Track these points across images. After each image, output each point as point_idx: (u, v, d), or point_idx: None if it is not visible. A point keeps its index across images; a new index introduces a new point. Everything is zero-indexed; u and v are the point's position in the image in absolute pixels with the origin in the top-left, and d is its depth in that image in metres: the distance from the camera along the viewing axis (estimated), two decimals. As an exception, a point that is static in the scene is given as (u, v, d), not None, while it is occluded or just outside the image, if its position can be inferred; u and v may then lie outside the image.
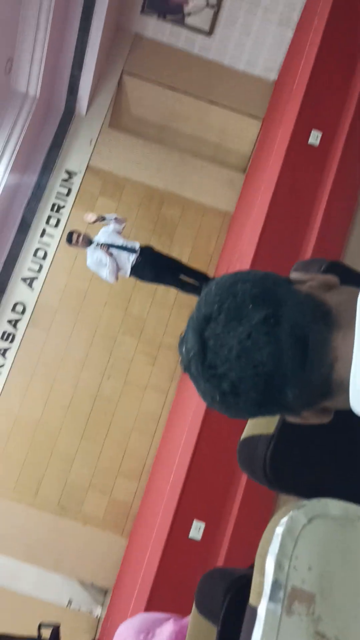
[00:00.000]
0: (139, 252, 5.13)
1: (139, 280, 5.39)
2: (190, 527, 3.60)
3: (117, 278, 5.20)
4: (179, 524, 3.64)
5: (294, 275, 0.84)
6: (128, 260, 5.11)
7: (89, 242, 5.15)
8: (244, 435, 1.31)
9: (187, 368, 0.83)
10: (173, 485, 3.96)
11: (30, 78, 5.99)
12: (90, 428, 6.04)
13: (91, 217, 5.16)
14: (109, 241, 5.12)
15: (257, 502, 3.29)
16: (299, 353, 0.76)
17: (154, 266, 5.20)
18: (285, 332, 0.75)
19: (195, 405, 4.15)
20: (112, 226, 5.21)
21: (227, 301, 0.78)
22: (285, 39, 6.44)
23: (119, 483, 5.95)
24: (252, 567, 0.77)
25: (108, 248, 5.07)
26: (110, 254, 5.06)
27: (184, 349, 0.83)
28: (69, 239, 5.19)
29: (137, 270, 5.17)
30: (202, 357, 0.78)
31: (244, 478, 3.44)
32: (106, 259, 5.08)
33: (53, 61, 6.05)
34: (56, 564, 5.77)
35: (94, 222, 5.17)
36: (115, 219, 5.23)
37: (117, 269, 5.14)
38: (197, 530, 3.57)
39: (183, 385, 5.71)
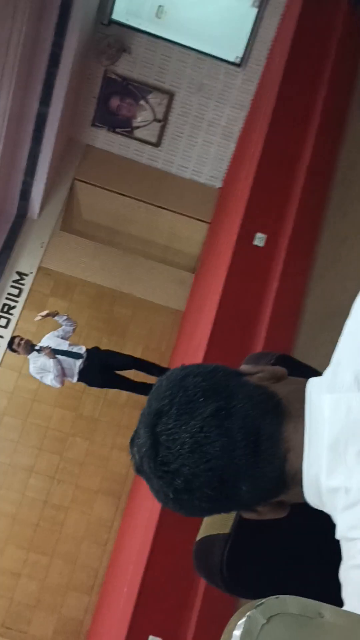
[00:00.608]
0: (85, 356, 5.01)
1: (88, 386, 5.27)
2: (146, 644, 3.35)
3: (62, 383, 5.05)
4: (134, 641, 3.39)
5: (244, 367, 0.85)
6: (74, 365, 4.98)
7: (31, 348, 5.00)
8: (199, 535, 1.26)
9: (139, 466, 0.81)
10: (127, 598, 3.73)
11: (-18, 184, 6.14)
12: (38, 539, 5.71)
13: (43, 313, 5.06)
14: (54, 345, 4.99)
15: (216, 610, 3.11)
16: (251, 445, 0.75)
17: (102, 371, 5.07)
18: (237, 425, 0.75)
19: (149, 510, 4.00)
20: (59, 330, 5.13)
21: (178, 395, 0.77)
22: (228, 150, 6.89)
23: (69, 598, 5.57)
24: None
25: (52, 351, 4.93)
26: (54, 357, 4.91)
27: (135, 447, 0.81)
28: (10, 344, 5.09)
29: (85, 376, 5.04)
30: (155, 453, 0.77)
31: (202, 585, 3.26)
32: (50, 363, 4.93)
33: (6, 168, 6.25)
34: None
35: (46, 316, 5.06)
36: (67, 318, 5.18)
37: (63, 373, 4.99)
38: (153, 647, 3.32)
39: (136, 488, 5.52)
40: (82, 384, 5.34)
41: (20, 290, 6.55)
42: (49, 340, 5.07)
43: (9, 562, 5.60)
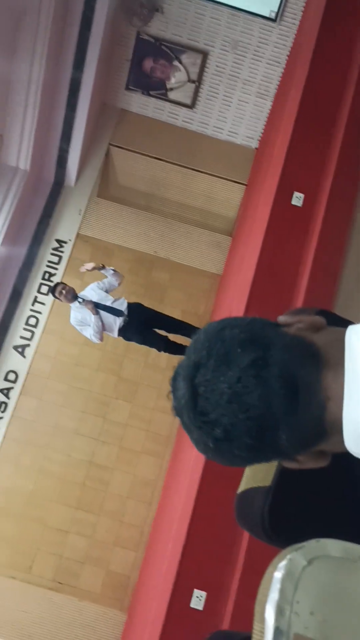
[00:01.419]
0: (126, 312, 4.94)
1: (126, 340, 5.22)
2: (191, 597, 3.47)
3: (101, 339, 4.96)
4: (179, 594, 3.51)
5: (282, 318, 0.85)
6: (115, 321, 4.90)
7: (73, 297, 4.91)
8: (240, 488, 1.28)
9: (179, 416, 0.83)
10: (171, 554, 3.84)
11: (20, 153, 6.18)
12: (84, 498, 5.89)
13: (89, 265, 4.94)
14: (96, 299, 4.90)
15: (260, 564, 3.19)
16: (290, 394, 0.75)
17: (142, 328, 5.00)
18: (274, 374, 0.75)
19: (191, 469, 4.08)
20: (104, 282, 5.02)
21: (215, 347, 0.78)
22: (264, 109, 6.74)
23: (115, 554, 5.76)
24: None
25: (95, 306, 4.84)
26: (97, 312, 4.82)
27: (175, 398, 0.83)
28: (53, 291, 4.97)
29: (125, 332, 4.96)
30: (193, 404, 0.78)
31: (245, 539, 3.34)
32: (91, 317, 4.83)
33: (42, 136, 6.27)
34: (52, 644, 5.49)
35: (92, 269, 4.96)
36: (114, 272, 5.05)
37: (103, 328, 4.90)
38: (198, 599, 3.43)
39: (178, 449, 5.63)
40: (124, 345, 5.32)
41: (60, 257, 6.63)
42: (93, 291, 4.95)
43: (58, 520, 5.81)
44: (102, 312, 4.87)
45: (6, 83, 5.59)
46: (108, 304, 4.94)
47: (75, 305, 4.95)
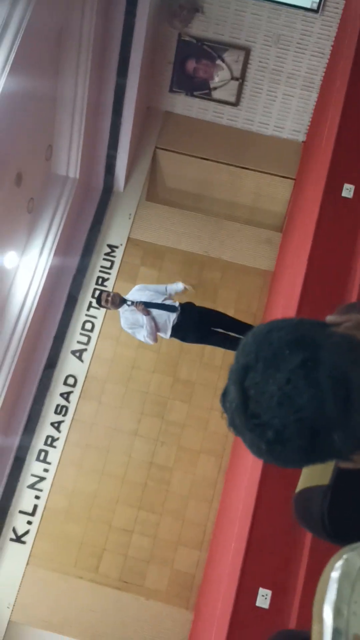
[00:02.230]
0: (179, 310, 4.73)
1: (182, 342, 5.05)
2: (256, 596, 3.47)
3: (156, 339, 4.80)
4: (245, 593, 3.51)
5: (330, 318, 0.85)
6: (168, 319, 4.70)
7: (121, 301, 4.77)
8: (298, 487, 1.29)
9: (231, 421, 0.83)
10: (235, 553, 3.84)
11: (69, 162, 6.32)
12: (146, 498, 5.96)
13: (189, 287, 4.78)
14: (146, 299, 4.72)
15: (325, 562, 3.16)
16: (341, 395, 0.75)
17: (197, 326, 4.81)
18: (325, 375, 0.75)
19: (250, 468, 4.07)
20: (167, 287, 4.85)
21: (263, 349, 0.78)
22: (310, 101, 6.65)
23: (180, 553, 5.80)
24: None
25: (145, 307, 4.65)
26: (148, 313, 4.63)
27: (226, 403, 0.83)
28: (99, 300, 4.87)
29: (179, 331, 4.76)
30: (244, 407, 0.78)
31: (308, 537, 3.31)
32: (143, 319, 4.66)
33: (90, 145, 6.38)
34: (121, 643, 5.59)
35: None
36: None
37: (156, 329, 4.73)
38: (263, 598, 3.43)
39: (237, 447, 5.62)
40: (178, 345, 5.14)
41: (112, 262, 6.74)
42: (140, 292, 4.79)
43: (122, 521, 5.91)
44: (154, 311, 4.69)
45: (53, 96, 5.73)
46: (158, 302, 4.77)
47: (124, 309, 4.81)
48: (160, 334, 4.84)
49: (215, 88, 6.80)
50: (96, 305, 6.50)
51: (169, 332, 4.78)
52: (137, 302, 4.70)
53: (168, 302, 4.78)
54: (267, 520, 3.54)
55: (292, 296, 4.19)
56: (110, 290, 4.89)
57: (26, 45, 4.14)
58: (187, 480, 5.99)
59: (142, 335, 4.79)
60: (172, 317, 4.71)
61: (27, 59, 4.28)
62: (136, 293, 4.85)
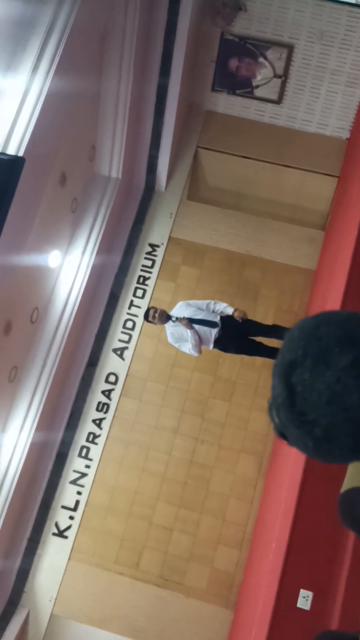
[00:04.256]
0: (220, 325, 5.02)
1: (223, 352, 5.30)
2: (297, 597, 3.44)
3: (200, 351, 5.11)
4: (285, 594, 3.49)
5: (380, 314, 0.84)
6: (210, 334, 5.02)
7: (166, 318, 5.08)
8: (343, 487, 1.28)
9: (276, 416, 0.82)
10: (276, 553, 3.82)
11: (112, 162, 6.38)
12: (187, 496, 5.98)
13: (242, 314, 5.05)
14: (189, 315, 5.04)
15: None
16: None
17: (236, 339, 5.10)
18: None
19: (292, 468, 4.04)
20: (215, 305, 5.12)
21: (311, 345, 0.77)
22: (354, 98, 6.55)
23: (220, 552, 5.80)
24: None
25: (189, 322, 4.97)
26: (192, 327, 4.96)
27: (272, 402, 0.82)
28: (146, 316, 5.18)
29: (220, 344, 5.07)
30: (291, 404, 0.78)
31: (351, 538, 3.27)
32: (187, 333, 4.98)
33: (132, 145, 6.43)
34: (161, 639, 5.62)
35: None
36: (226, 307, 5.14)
37: (200, 342, 5.03)
38: (304, 599, 3.40)
39: (278, 447, 5.59)
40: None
41: (154, 261, 6.78)
42: (184, 309, 5.10)
43: (162, 518, 5.94)
44: (197, 326, 5.02)
45: (96, 96, 5.79)
46: (201, 317, 5.08)
47: (169, 324, 5.13)
48: (203, 346, 5.12)
49: (257, 86, 6.77)
50: (137, 304, 6.57)
51: (212, 345, 5.09)
52: (181, 317, 5.00)
53: (210, 317, 5.07)
54: (309, 521, 3.51)
55: (336, 295, 4.14)
56: (156, 307, 5.13)
57: (71, 46, 4.20)
58: (228, 479, 5.98)
59: (187, 347, 5.09)
60: (214, 331, 5.02)
61: (72, 60, 4.35)
62: (179, 309, 5.14)
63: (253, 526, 5.81)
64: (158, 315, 5.07)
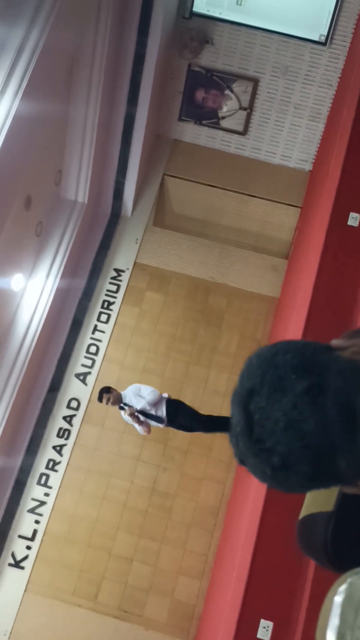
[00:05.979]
0: (166, 421, 5.26)
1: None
2: (258, 627, 3.40)
3: (149, 432, 5.36)
4: (246, 624, 3.45)
5: (335, 342, 0.84)
6: (158, 424, 5.29)
7: (119, 402, 5.27)
8: (302, 514, 1.27)
9: (235, 445, 0.82)
10: (236, 583, 3.78)
11: (78, 187, 6.39)
12: (147, 525, 5.89)
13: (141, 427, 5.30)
14: (139, 406, 5.20)
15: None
16: (347, 421, 0.74)
17: (183, 426, 5.43)
18: (331, 401, 0.74)
19: (253, 496, 4.03)
20: (144, 394, 5.27)
21: (269, 373, 0.77)
22: (317, 131, 6.74)
23: (180, 583, 5.71)
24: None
25: (137, 413, 5.15)
26: (138, 420, 5.16)
27: (231, 425, 0.82)
28: (100, 398, 5.32)
29: (170, 424, 5.35)
30: (249, 432, 0.77)
31: (311, 568, 3.26)
32: (135, 425, 5.22)
33: (99, 170, 6.46)
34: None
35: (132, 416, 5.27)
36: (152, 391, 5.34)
37: (148, 427, 5.31)
38: (265, 630, 3.36)
39: (240, 475, 5.57)
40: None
41: (119, 286, 6.76)
42: (135, 398, 5.24)
43: (122, 548, 5.82)
44: (143, 418, 5.23)
45: (64, 121, 5.82)
46: (152, 412, 5.25)
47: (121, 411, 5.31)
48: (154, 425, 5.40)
49: (223, 117, 6.90)
50: (101, 329, 6.53)
51: (161, 426, 5.37)
52: (130, 407, 5.18)
53: (158, 411, 5.26)
54: (270, 550, 3.49)
55: (298, 324, 4.19)
56: (111, 389, 5.31)
57: (39, 70, 4.22)
58: (189, 507, 5.92)
59: (138, 429, 5.32)
60: (160, 424, 5.30)
61: (40, 84, 4.36)
62: (131, 396, 5.28)
63: (214, 556, 5.74)
64: (111, 403, 5.27)
